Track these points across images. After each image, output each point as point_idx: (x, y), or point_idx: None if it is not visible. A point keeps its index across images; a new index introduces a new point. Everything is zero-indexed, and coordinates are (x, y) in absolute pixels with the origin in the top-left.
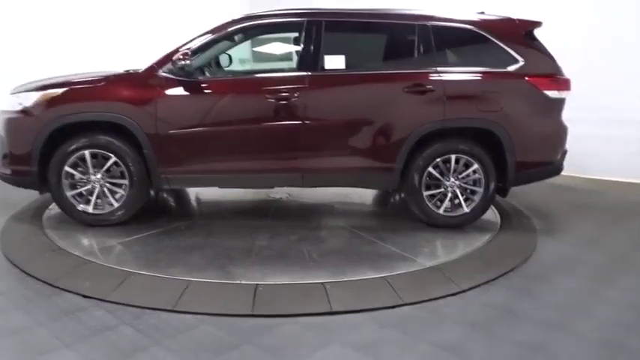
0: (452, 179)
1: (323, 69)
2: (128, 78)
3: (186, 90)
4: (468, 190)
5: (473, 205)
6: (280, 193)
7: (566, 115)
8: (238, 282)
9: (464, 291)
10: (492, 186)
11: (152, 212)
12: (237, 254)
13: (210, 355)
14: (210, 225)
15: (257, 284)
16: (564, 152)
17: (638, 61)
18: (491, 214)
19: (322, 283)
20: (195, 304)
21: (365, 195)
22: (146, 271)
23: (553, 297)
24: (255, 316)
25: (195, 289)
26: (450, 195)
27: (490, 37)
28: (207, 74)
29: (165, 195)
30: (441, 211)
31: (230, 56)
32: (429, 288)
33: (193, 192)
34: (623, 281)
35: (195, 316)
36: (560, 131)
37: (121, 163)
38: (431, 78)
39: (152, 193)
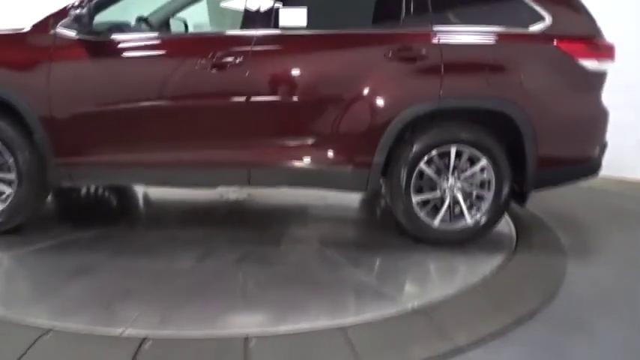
0: (451, 180)
1: (276, 26)
2: (9, 37)
3: (90, 53)
4: (473, 195)
5: (479, 215)
6: (240, 192)
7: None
8: (119, 333)
9: (461, 350)
10: (506, 189)
11: (63, 217)
12: (139, 284)
13: None
14: (126, 236)
15: (144, 338)
16: (604, 146)
17: None
18: (504, 227)
19: (246, 336)
20: None
21: (348, 197)
22: None
23: (598, 356)
24: None
25: (50, 342)
26: (448, 201)
27: None
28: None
29: (103, 192)
30: (435, 222)
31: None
32: (407, 346)
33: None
34: None
35: None
36: (600, 116)
37: (4, 153)
38: (423, 40)
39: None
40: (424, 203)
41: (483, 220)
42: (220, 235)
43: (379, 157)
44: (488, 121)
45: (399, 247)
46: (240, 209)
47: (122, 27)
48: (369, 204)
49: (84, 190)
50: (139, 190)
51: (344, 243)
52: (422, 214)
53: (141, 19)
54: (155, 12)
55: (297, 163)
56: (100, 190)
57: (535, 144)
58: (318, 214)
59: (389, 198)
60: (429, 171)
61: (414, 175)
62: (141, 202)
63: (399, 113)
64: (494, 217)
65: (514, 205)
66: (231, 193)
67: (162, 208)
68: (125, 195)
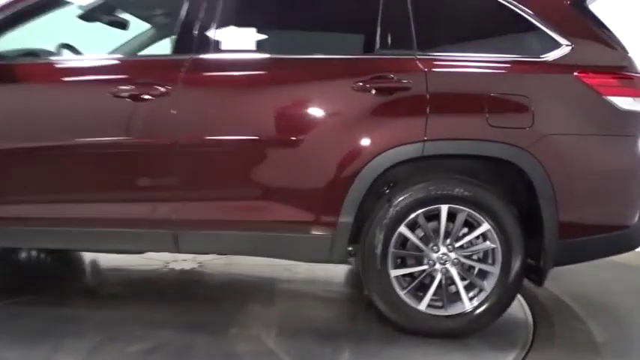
0: (442, 249)
1: (217, 49)
2: None
3: None
4: (473, 271)
5: (482, 297)
6: (191, 261)
7: None
8: None
9: None
10: (517, 264)
11: None
12: None
13: None
14: (19, 313)
15: None
16: None
17: None
18: (518, 313)
19: None
20: None
21: (333, 269)
22: None
23: None
24: None
25: None
26: (439, 278)
27: (510, 4)
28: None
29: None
30: (422, 306)
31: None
32: None
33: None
34: None
35: None
36: (638, 170)
37: None
38: (404, 67)
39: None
40: (406, 280)
41: (487, 304)
42: (142, 316)
43: (346, 218)
44: (491, 175)
45: (377, 340)
46: (184, 282)
47: (37, 53)
48: (353, 276)
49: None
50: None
51: (307, 332)
52: (403, 294)
53: (64, 46)
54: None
55: (239, 225)
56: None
57: (554, 205)
58: (283, 289)
59: (361, 272)
60: (412, 237)
61: (393, 241)
62: (74, 269)
63: (370, 160)
64: (501, 300)
65: (529, 284)
66: (180, 261)
67: (91, 278)
68: (62, 260)
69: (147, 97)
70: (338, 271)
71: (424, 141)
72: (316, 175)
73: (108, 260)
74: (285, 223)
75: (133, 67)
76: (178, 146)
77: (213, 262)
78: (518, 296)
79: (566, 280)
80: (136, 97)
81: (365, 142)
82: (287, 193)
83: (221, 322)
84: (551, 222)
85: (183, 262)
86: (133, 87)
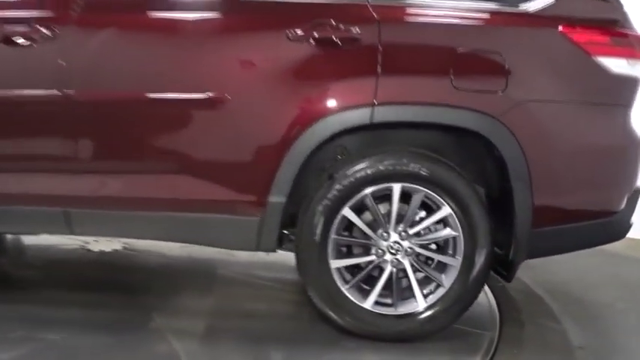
0: (393, 236)
1: None
2: None
3: None
4: (430, 263)
5: (439, 294)
6: (115, 240)
7: None
8: None
9: None
10: (483, 255)
11: None
12: None
13: None
14: None
15: None
16: (635, 193)
17: None
18: (482, 308)
19: None
20: None
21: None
22: None
23: None
24: None
25: None
26: (389, 270)
27: None
28: None
29: None
30: (368, 304)
31: None
32: None
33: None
34: None
35: None
36: (629, 148)
37: None
38: (353, 14)
39: None
40: (351, 271)
41: (445, 302)
42: (32, 311)
43: (278, 197)
44: (455, 149)
45: (316, 344)
46: (102, 267)
47: None
48: None
49: None
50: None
51: (236, 334)
52: (346, 289)
53: None
54: None
55: (146, 204)
56: None
57: (529, 187)
58: (223, 279)
59: (296, 262)
60: (358, 221)
61: (335, 226)
62: None
63: (307, 127)
64: (462, 298)
65: (497, 278)
66: (103, 241)
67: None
68: None
69: (25, 41)
70: (288, 256)
71: (373, 105)
72: (241, 144)
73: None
74: (203, 202)
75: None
76: (69, 104)
77: (141, 243)
78: (485, 287)
79: (540, 268)
80: (8, 40)
81: (301, 105)
82: (205, 166)
83: (136, 319)
84: (525, 206)
85: (107, 242)
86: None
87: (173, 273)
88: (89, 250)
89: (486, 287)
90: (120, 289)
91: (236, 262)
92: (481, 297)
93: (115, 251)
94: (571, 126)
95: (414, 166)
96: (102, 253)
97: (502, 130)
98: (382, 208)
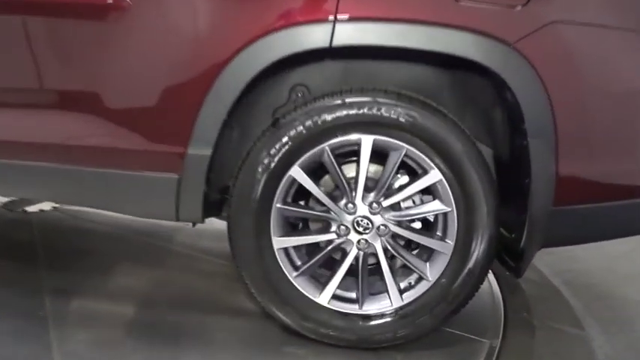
0: (361, 209)
1: None
2: None
3: None
4: (412, 247)
5: (420, 290)
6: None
7: None
8: None
9: None
10: (484, 239)
11: None
12: None
13: None
14: None
15: None
16: None
17: None
18: (482, 304)
19: None
20: None
21: None
22: None
23: None
24: None
25: None
26: (354, 255)
27: None
28: None
29: None
30: (323, 298)
31: None
32: None
33: None
34: None
35: None
36: None
37: None
38: None
39: None
40: (305, 252)
41: (429, 300)
42: None
43: (199, 148)
44: (451, 90)
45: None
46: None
47: None
48: None
49: None
50: None
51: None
52: (294, 278)
53: None
54: None
55: (27, 152)
56: None
57: (553, 148)
58: (159, 250)
59: (229, 237)
60: (311, 185)
61: (280, 191)
62: None
63: (239, 51)
64: (453, 295)
65: (502, 270)
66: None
67: None
68: None
69: None
70: None
71: (333, 21)
72: (147, 70)
73: None
74: (101, 152)
75: None
76: None
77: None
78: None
79: (560, 253)
80: None
81: (230, 18)
82: (102, 100)
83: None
84: (545, 175)
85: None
86: None
87: (101, 239)
88: (11, 210)
89: (490, 275)
90: (29, 257)
91: (184, 231)
92: (481, 289)
93: (41, 212)
94: (621, 65)
95: (391, 111)
96: (24, 212)
97: (519, 64)
98: (348, 170)
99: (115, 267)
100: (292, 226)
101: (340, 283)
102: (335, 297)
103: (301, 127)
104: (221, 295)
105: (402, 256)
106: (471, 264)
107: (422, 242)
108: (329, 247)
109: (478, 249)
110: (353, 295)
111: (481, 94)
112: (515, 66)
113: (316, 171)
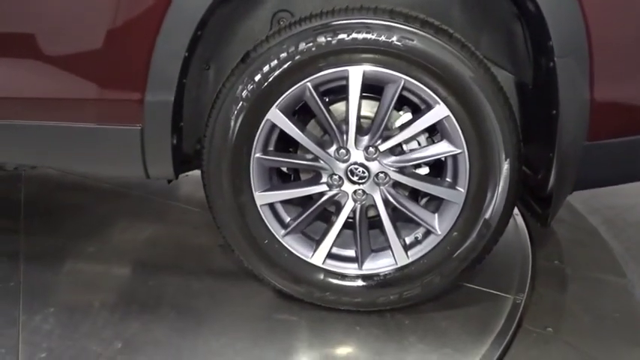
0: (355, 154)
1: None
2: None
3: None
4: (417, 197)
5: (427, 246)
6: None
7: None
8: None
9: None
10: (503, 183)
11: None
12: None
13: None
14: None
15: None
16: None
17: None
18: (507, 252)
19: None
20: None
21: None
22: None
23: None
24: None
25: None
26: (350, 208)
27: None
28: None
29: None
30: (317, 258)
31: None
32: None
33: None
34: None
35: None
36: None
37: None
38: None
39: None
40: (289, 207)
41: (439, 257)
42: None
43: (159, 93)
44: (461, 3)
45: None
46: (21, 184)
47: None
48: None
49: None
50: None
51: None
52: (282, 236)
53: None
54: None
55: None
56: None
57: (586, 68)
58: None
59: (205, 193)
60: (293, 128)
61: (259, 138)
62: None
63: None
64: (467, 250)
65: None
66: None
67: None
68: None
69: None
70: None
71: None
72: (89, 4)
73: None
74: (55, 103)
75: None
76: None
77: None
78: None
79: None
80: None
81: None
82: (49, 41)
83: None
84: (577, 102)
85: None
86: None
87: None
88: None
89: (517, 217)
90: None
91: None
92: (505, 234)
93: (32, 168)
94: None
95: (384, 34)
96: (15, 169)
97: None
98: (339, 110)
99: (100, 227)
100: (285, 180)
101: (337, 239)
102: (331, 256)
103: (276, 61)
104: (209, 255)
105: (404, 207)
106: (487, 214)
107: (428, 191)
108: (320, 201)
109: (495, 197)
110: (352, 252)
111: (497, 6)
112: None
113: (305, 116)
